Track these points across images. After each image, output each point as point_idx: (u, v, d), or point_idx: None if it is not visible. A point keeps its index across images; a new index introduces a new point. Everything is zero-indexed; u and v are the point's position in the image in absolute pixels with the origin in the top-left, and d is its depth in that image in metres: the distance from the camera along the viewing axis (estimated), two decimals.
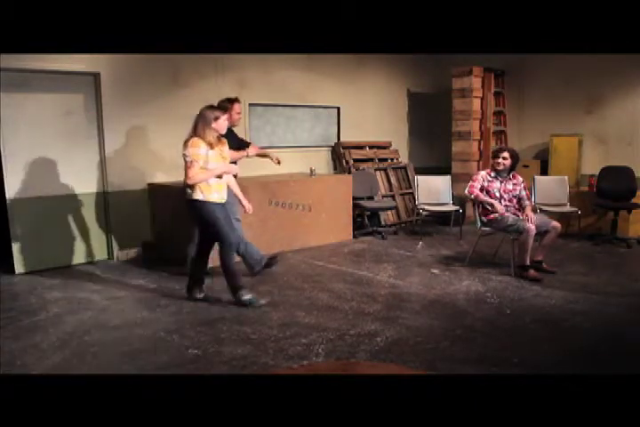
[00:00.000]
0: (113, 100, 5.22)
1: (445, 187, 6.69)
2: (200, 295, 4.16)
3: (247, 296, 4.00)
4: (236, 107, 4.66)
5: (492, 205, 4.81)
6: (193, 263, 4.21)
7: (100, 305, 4.06)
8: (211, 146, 3.80)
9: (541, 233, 4.78)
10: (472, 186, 4.88)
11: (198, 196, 3.82)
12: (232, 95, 6.02)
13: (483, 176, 4.91)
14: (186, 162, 3.77)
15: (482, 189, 4.89)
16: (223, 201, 3.94)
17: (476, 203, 4.93)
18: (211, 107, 3.95)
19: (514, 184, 4.95)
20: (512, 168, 4.94)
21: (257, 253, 4.61)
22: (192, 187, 3.81)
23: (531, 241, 4.62)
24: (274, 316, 3.82)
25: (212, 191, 3.84)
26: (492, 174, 4.91)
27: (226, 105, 4.51)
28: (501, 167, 4.87)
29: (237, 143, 4.68)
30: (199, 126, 3.81)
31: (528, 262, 4.73)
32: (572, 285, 4.52)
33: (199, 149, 3.75)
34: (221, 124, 3.87)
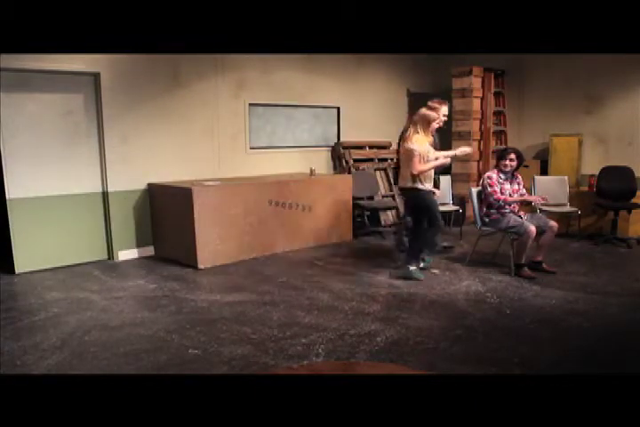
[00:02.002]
0: (113, 100, 5.22)
1: (445, 187, 6.67)
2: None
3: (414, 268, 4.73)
4: (444, 109, 4.85)
5: (524, 201, 5.00)
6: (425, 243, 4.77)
7: (99, 305, 4.06)
8: (429, 143, 4.53)
9: (539, 233, 4.80)
10: (495, 191, 4.84)
11: (419, 185, 4.51)
12: (234, 95, 6.09)
13: (496, 178, 4.91)
14: (413, 156, 4.41)
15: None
16: (433, 190, 4.70)
17: (497, 205, 4.87)
18: (430, 108, 4.59)
19: (518, 184, 5.01)
20: (516, 168, 4.98)
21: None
22: (415, 177, 4.46)
23: (530, 242, 4.68)
24: (274, 316, 3.82)
25: (427, 181, 4.55)
26: (502, 176, 4.93)
27: (435, 105, 4.82)
28: (509, 169, 4.90)
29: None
30: (419, 125, 4.51)
31: (524, 261, 4.78)
32: (571, 285, 4.53)
33: (424, 146, 4.47)
34: (434, 126, 4.61)
